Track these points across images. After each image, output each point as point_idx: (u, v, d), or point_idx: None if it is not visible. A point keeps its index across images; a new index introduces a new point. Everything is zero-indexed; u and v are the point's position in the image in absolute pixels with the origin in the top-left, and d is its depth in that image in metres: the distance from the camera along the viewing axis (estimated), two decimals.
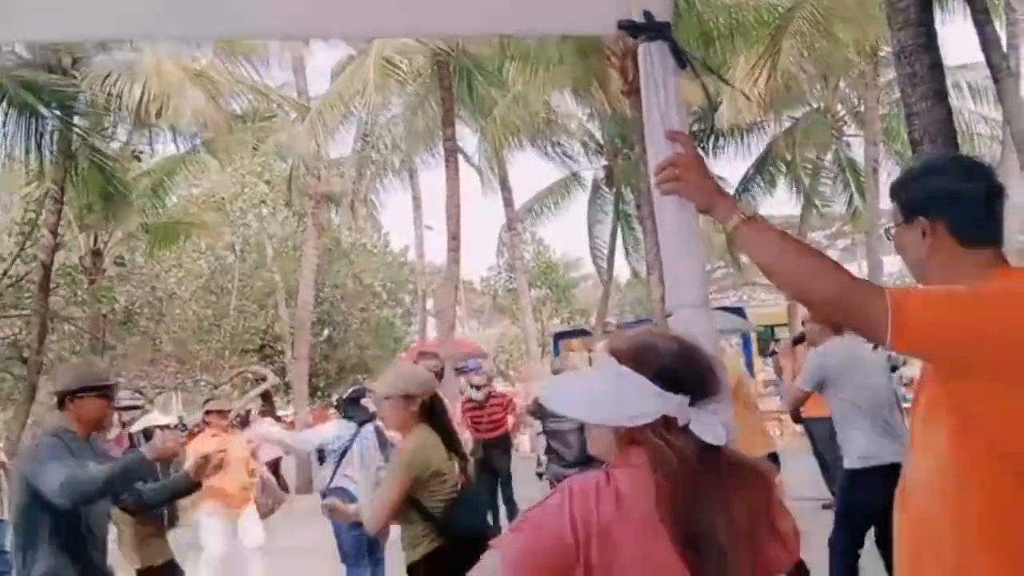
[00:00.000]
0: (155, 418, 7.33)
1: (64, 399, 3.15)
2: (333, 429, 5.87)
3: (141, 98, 11.50)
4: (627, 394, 1.34)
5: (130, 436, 7.64)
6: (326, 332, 21.45)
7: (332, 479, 5.50)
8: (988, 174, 1.60)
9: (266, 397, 17.55)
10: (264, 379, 16.71)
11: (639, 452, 1.33)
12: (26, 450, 3.18)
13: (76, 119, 11.05)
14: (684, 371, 1.35)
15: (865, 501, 4.00)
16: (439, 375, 4.96)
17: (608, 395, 1.36)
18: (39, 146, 10.72)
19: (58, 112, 10.60)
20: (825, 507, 6.75)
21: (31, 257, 12.27)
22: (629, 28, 1.88)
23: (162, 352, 16.23)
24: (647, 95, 1.86)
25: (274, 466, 14.20)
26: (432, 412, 3.29)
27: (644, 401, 1.33)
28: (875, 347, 4.21)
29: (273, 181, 19.02)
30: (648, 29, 1.86)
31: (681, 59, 1.87)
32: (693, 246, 1.79)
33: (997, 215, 1.58)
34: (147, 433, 6.69)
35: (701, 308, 1.74)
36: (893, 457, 4.10)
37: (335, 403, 9.08)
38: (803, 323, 5.18)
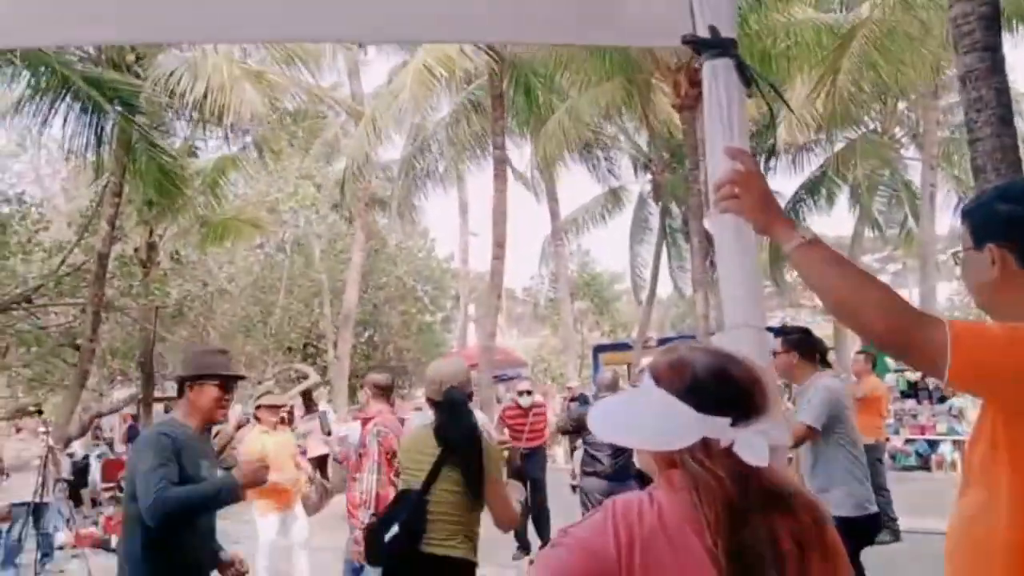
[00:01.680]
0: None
1: (183, 385, 3.06)
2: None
3: (202, 96, 11.78)
4: (664, 417, 1.31)
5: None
6: (367, 333, 21.69)
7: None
8: None
9: (307, 395, 17.79)
10: (306, 377, 16.94)
11: (681, 475, 1.29)
12: (136, 444, 3.07)
13: (137, 116, 11.35)
14: (722, 389, 1.31)
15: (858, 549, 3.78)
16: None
17: (645, 418, 1.33)
18: (99, 140, 11.07)
19: (120, 108, 10.92)
20: None
21: (89, 247, 12.64)
22: (694, 43, 1.87)
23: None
24: (710, 112, 1.84)
25: (321, 463, 14.39)
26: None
27: (680, 425, 1.29)
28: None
29: (323, 183, 19.34)
30: (714, 45, 1.84)
31: (746, 76, 1.85)
32: (750, 265, 1.76)
33: None
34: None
35: (757, 328, 1.72)
36: (871, 507, 4.02)
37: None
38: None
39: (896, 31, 11.22)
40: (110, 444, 18.72)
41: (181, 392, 3.07)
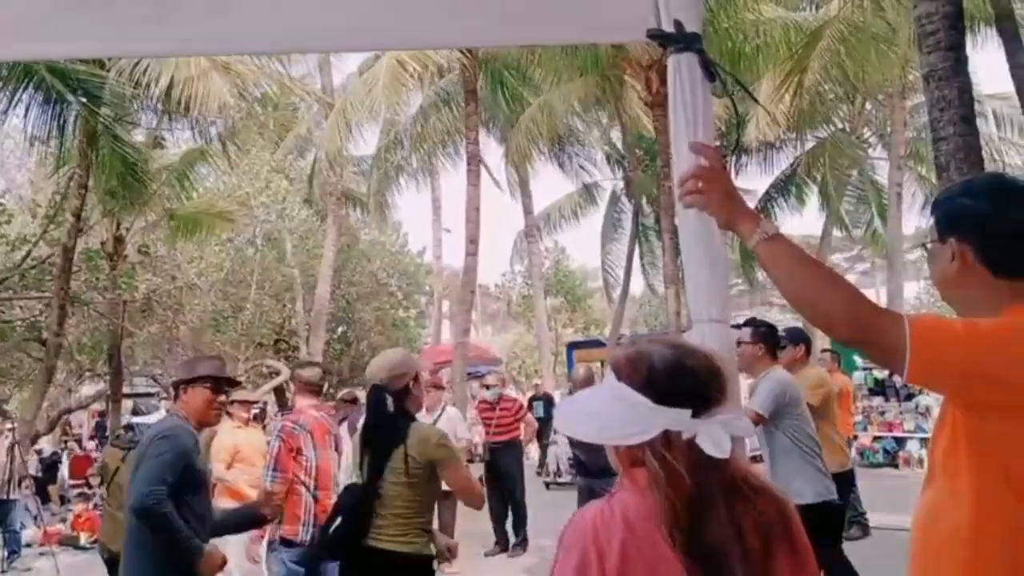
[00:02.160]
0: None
1: (178, 388, 3.25)
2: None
3: (168, 87, 11.60)
4: (624, 411, 1.30)
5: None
6: (340, 329, 21.54)
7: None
8: None
9: (279, 392, 17.63)
10: (279, 373, 16.78)
11: (645, 473, 1.29)
12: (161, 431, 3.17)
13: (101, 107, 11.15)
14: (679, 381, 1.30)
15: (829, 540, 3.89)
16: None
17: (605, 413, 1.33)
18: (62, 131, 10.86)
19: (84, 99, 10.72)
20: None
21: (54, 240, 12.41)
22: (659, 38, 1.86)
23: (179, 342, 16.34)
24: (674, 107, 1.84)
25: None
26: None
27: (639, 418, 1.29)
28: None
29: (294, 177, 19.14)
30: (678, 40, 1.84)
31: (711, 72, 1.85)
32: (715, 260, 1.77)
33: None
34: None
35: (721, 323, 1.73)
36: (829, 495, 4.11)
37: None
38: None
39: (863, 31, 11.34)
40: (78, 440, 18.44)
41: (177, 396, 3.26)
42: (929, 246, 1.60)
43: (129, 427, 6.07)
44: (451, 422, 7.09)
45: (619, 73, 13.22)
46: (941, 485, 1.49)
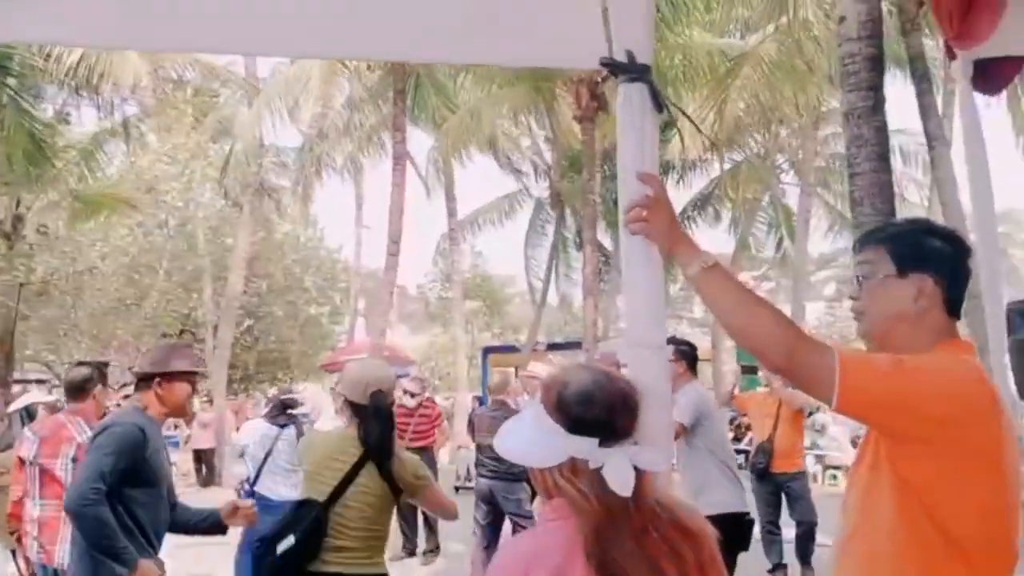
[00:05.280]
0: (36, 396, 7.03)
1: (152, 380, 3.10)
2: (258, 430, 5.79)
3: (79, 62, 11.10)
4: (537, 434, 1.32)
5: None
6: (247, 323, 20.91)
7: (256, 481, 5.42)
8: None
9: None
10: None
11: (561, 502, 1.31)
12: (109, 427, 3.03)
13: (8, 78, 10.55)
14: (586, 409, 1.32)
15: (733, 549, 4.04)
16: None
17: (523, 434, 1.35)
18: None
19: None
20: None
21: None
22: (611, 66, 1.90)
23: (77, 328, 15.55)
24: (623, 134, 1.87)
25: (208, 455, 13.75)
26: None
27: (550, 443, 1.30)
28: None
29: (211, 162, 18.52)
30: (630, 70, 1.88)
31: (659, 102, 1.90)
32: (655, 287, 1.81)
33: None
34: (29, 410, 6.40)
35: (658, 350, 1.77)
36: (742, 507, 4.32)
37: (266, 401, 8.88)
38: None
39: (781, 66, 11.92)
40: None
41: (145, 386, 3.11)
42: (877, 280, 1.62)
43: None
44: None
45: (551, 85, 13.38)
46: (862, 510, 1.56)
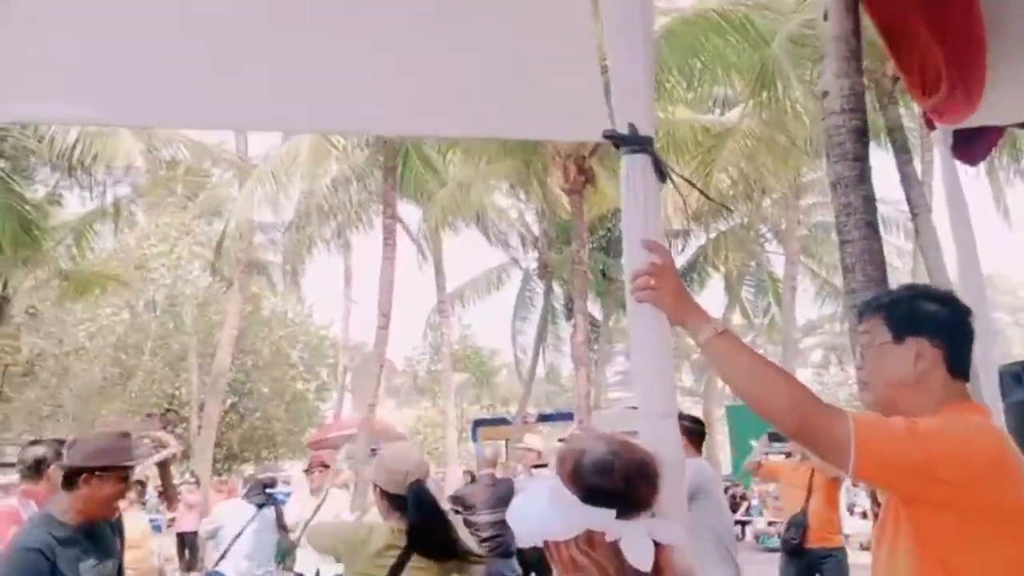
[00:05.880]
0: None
1: (77, 477, 2.58)
2: (233, 509, 5.65)
3: (74, 144, 11.22)
4: (552, 507, 1.29)
5: None
6: (229, 401, 20.60)
7: (219, 562, 5.27)
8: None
9: (164, 466, 16.62)
10: (165, 446, 15.84)
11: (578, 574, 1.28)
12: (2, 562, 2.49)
13: (0, 161, 10.65)
14: (603, 479, 1.30)
15: None
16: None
17: (537, 508, 1.32)
18: None
19: None
20: None
21: None
22: (615, 138, 1.94)
23: (62, 408, 15.29)
24: (626, 204, 1.90)
25: (192, 538, 13.26)
26: None
27: (566, 514, 1.28)
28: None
29: (200, 241, 18.59)
30: (632, 142, 1.93)
31: (661, 172, 1.94)
32: (664, 355, 1.81)
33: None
34: None
35: (669, 418, 1.75)
36: None
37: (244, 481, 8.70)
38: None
39: (763, 141, 12.28)
40: None
41: (70, 484, 2.59)
42: (876, 347, 1.65)
43: None
44: (335, 507, 6.27)
45: (540, 159, 13.64)
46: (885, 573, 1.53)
